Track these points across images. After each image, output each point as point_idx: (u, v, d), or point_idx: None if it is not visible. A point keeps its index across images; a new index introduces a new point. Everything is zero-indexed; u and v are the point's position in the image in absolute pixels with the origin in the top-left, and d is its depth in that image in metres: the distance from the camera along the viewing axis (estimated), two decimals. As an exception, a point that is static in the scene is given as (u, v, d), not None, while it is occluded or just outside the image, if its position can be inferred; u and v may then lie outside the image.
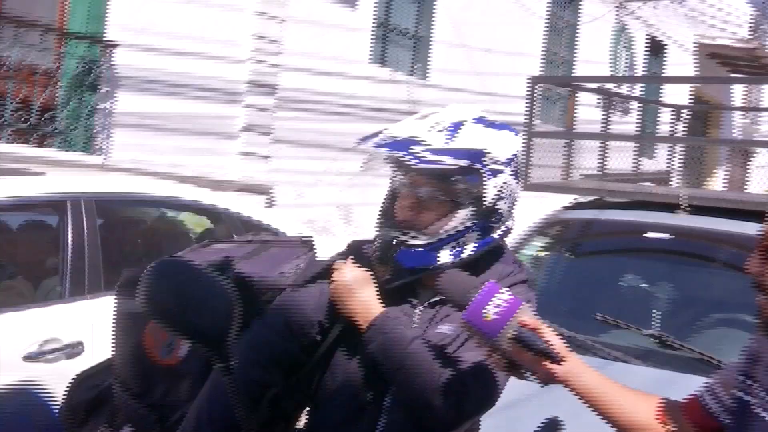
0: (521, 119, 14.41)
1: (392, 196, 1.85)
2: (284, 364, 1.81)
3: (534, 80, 4.41)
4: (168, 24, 8.42)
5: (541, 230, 4.31)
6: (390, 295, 1.82)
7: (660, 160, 7.57)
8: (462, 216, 1.78)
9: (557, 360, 1.49)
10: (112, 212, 4.54)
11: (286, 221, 9.72)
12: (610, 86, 12.66)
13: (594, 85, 7.80)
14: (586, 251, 4.36)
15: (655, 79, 16.09)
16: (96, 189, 4.23)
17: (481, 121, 1.83)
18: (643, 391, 1.59)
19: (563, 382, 1.51)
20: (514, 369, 1.52)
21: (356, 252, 1.89)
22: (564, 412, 2.32)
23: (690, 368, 3.18)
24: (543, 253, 4.34)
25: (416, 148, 1.71)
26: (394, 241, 1.78)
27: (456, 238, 1.79)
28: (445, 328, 1.81)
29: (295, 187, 9.97)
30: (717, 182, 19.13)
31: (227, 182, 9.20)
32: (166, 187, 4.85)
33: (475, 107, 1.91)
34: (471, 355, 1.77)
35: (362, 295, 1.77)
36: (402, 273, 1.80)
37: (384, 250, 1.79)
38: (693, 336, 3.55)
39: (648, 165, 7.86)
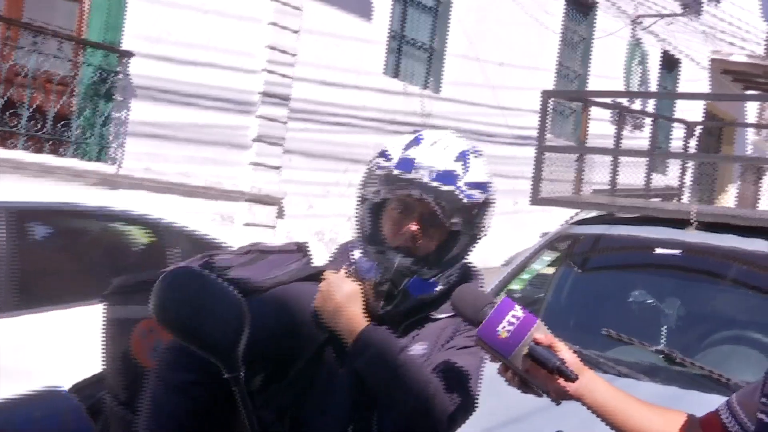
0: (534, 133, 14.40)
1: (374, 219, 1.82)
2: (259, 356, 1.76)
3: (546, 95, 4.41)
4: (183, 34, 8.49)
5: (550, 245, 4.32)
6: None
7: (672, 175, 7.55)
8: (462, 244, 1.81)
9: (572, 377, 1.48)
10: (54, 224, 4.22)
11: (296, 232, 9.72)
12: (624, 101, 12.68)
13: (607, 100, 7.80)
14: (595, 266, 4.36)
15: (667, 94, 16.08)
16: (16, 198, 3.85)
17: (473, 149, 1.86)
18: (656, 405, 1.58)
19: (577, 398, 1.51)
20: (528, 386, 1.52)
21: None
22: (571, 426, 2.32)
23: (697, 385, 3.17)
24: (549, 270, 4.33)
25: (460, 183, 1.75)
26: (407, 271, 1.76)
27: (453, 266, 1.83)
28: (418, 348, 1.83)
29: (305, 198, 10.02)
30: (729, 199, 19.06)
31: (238, 192, 9.24)
32: (103, 197, 4.50)
33: (458, 141, 1.90)
34: (449, 361, 1.81)
35: (349, 308, 1.75)
36: (408, 302, 1.80)
37: (397, 280, 1.76)
38: (701, 353, 3.54)
39: (660, 181, 7.83)
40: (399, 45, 11.69)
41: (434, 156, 1.76)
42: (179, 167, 8.56)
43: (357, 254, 1.82)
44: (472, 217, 1.77)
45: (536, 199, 4.40)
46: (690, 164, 7.28)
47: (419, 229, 1.76)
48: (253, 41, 9.30)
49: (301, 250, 2.02)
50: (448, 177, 1.74)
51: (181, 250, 4.23)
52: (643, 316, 3.89)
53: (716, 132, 20.08)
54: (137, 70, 8.02)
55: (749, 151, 21.75)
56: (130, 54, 7.87)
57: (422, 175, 1.72)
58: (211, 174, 8.92)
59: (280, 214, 9.85)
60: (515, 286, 4.17)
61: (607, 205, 4.34)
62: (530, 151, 14.25)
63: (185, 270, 1.35)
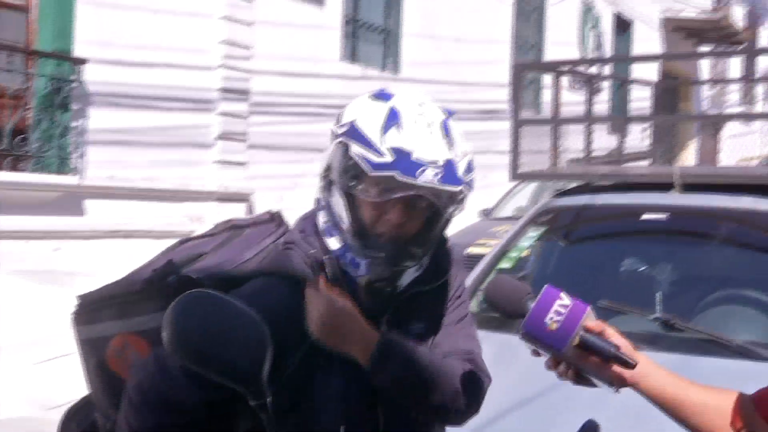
0: (495, 107, 14.32)
1: (350, 204, 1.67)
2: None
3: (520, 67, 4.34)
4: (135, 36, 8.30)
5: (534, 220, 4.26)
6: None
7: (632, 137, 7.54)
8: (446, 219, 1.72)
9: (631, 364, 1.39)
10: None
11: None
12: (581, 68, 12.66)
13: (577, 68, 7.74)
14: (581, 238, 4.31)
15: (636, 58, 16.07)
16: None
17: (447, 112, 1.73)
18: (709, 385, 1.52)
19: (632, 385, 1.42)
20: (583, 378, 1.43)
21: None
22: (591, 407, 2.27)
23: (700, 350, 3.13)
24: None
25: (461, 175, 1.63)
26: (401, 263, 1.67)
27: (438, 242, 1.76)
28: (415, 327, 1.76)
29: (274, 192, 9.88)
30: (690, 155, 19.22)
31: (206, 192, 9.11)
32: None
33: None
34: (457, 341, 1.78)
35: (352, 327, 1.63)
36: (403, 290, 1.73)
37: (394, 277, 1.68)
38: (698, 316, 3.50)
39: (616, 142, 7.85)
40: (354, 29, 11.58)
41: (428, 143, 1.62)
42: (144, 172, 8.40)
43: (334, 244, 1.69)
44: (464, 198, 1.69)
45: (516, 175, 4.34)
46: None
47: (407, 216, 1.65)
48: (207, 37, 9.13)
49: (274, 219, 1.91)
50: (452, 174, 1.61)
51: None
52: (635, 285, 3.84)
53: (673, 89, 20.23)
54: (92, 76, 7.84)
55: (705, 105, 21.97)
56: (82, 61, 7.68)
57: (429, 179, 1.58)
58: (177, 176, 8.77)
59: (251, 211, 9.72)
60: (505, 265, 4.10)
61: (590, 175, 4.28)
62: (495, 125, 14.20)
63: (198, 294, 1.24)
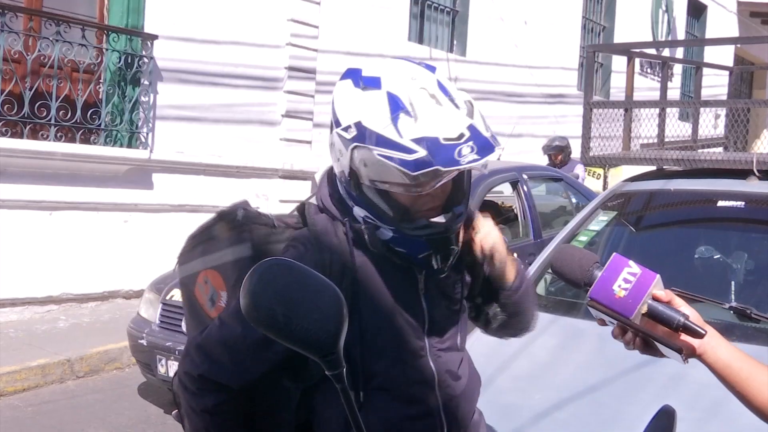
0: (562, 90, 14.09)
1: (393, 201, 1.69)
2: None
3: (592, 48, 4.24)
4: (204, 13, 8.37)
5: (605, 204, 4.17)
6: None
7: (704, 123, 7.33)
8: (470, 172, 1.77)
9: (701, 333, 1.35)
10: None
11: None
12: (651, 51, 12.37)
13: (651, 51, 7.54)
14: (653, 223, 4.21)
15: (712, 41, 15.60)
16: None
17: (430, 68, 1.72)
18: None
19: (699, 355, 1.39)
20: (651, 347, 1.41)
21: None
22: (663, 394, 2.21)
23: (776, 341, 3.04)
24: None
25: (490, 137, 1.61)
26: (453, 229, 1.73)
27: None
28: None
29: (339, 171, 9.89)
30: (763, 144, 18.68)
31: (271, 170, 9.16)
32: None
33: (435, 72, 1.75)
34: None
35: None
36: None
37: (452, 239, 1.73)
38: (774, 307, 3.39)
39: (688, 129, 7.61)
40: (421, 9, 11.49)
41: (444, 118, 1.57)
42: (211, 148, 8.49)
43: (385, 234, 1.71)
44: None
45: (587, 158, 4.26)
46: (721, 111, 7.05)
47: (444, 188, 1.68)
48: (275, 15, 9.15)
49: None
50: (481, 139, 1.57)
51: None
52: (709, 273, 3.74)
53: (747, 77, 19.69)
54: (161, 53, 7.92)
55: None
56: (153, 37, 7.76)
57: (470, 157, 1.54)
58: (243, 153, 8.84)
59: (314, 189, 9.75)
60: (574, 249, 4.03)
61: (663, 159, 4.16)
62: (561, 110, 13.98)
63: (276, 263, 1.23)
